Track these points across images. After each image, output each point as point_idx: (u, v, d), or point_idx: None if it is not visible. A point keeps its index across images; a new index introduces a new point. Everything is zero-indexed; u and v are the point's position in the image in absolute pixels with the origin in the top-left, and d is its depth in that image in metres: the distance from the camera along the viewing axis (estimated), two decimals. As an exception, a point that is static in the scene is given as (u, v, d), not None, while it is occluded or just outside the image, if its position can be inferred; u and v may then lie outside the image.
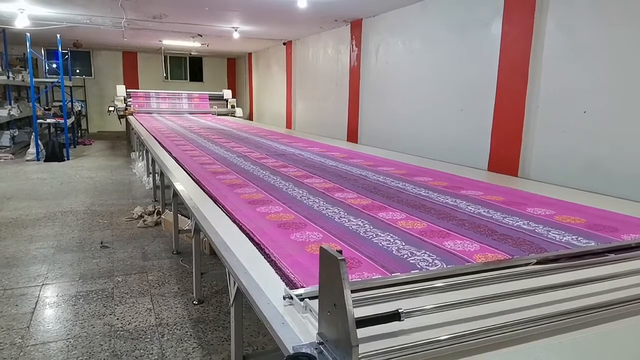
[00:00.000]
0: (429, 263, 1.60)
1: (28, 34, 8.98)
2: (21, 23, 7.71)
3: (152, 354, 2.63)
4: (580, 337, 1.16)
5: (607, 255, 1.67)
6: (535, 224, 2.08)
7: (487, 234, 1.94)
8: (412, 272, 1.51)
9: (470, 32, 5.40)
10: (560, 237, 1.89)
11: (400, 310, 1.08)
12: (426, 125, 6.24)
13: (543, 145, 4.51)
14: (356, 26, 7.89)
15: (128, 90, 10.80)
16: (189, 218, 3.99)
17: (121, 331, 2.86)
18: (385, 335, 1.09)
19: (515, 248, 1.75)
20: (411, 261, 1.62)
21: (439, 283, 1.35)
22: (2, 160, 9.10)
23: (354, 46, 8.00)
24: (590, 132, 4.06)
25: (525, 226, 2.05)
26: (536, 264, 1.57)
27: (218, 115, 10.67)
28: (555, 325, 1.15)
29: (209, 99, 11.32)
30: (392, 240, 1.84)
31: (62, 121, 9.86)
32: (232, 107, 11.25)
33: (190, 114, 10.59)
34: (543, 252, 1.70)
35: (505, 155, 4.86)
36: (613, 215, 2.26)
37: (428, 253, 1.70)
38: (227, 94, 11.48)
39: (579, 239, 1.87)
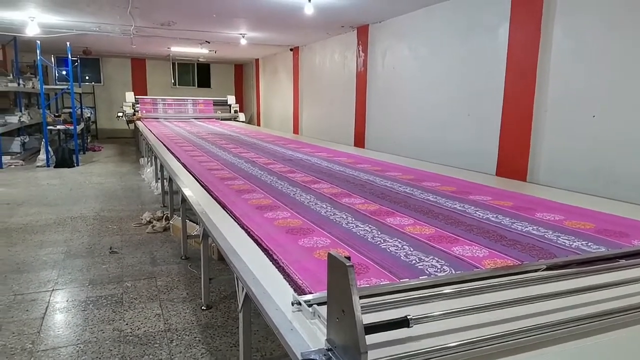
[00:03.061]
0: (438, 269, 1.60)
1: (38, 42, 9.10)
2: (31, 31, 7.82)
3: (161, 359, 2.64)
4: (592, 345, 1.15)
5: (618, 261, 1.66)
6: (545, 229, 2.07)
7: (496, 239, 1.93)
8: (420, 278, 1.51)
9: (477, 37, 5.40)
10: (570, 243, 1.87)
11: (408, 317, 1.08)
12: (433, 130, 6.22)
13: (552, 149, 4.48)
14: (362, 32, 7.91)
15: (136, 96, 11.01)
16: (197, 224, 4.00)
17: (130, 336, 2.87)
18: (394, 341, 1.08)
19: (525, 254, 1.74)
20: (419, 267, 1.61)
21: (447, 289, 1.35)
22: (13, 166, 9.21)
23: (360, 52, 8.02)
24: (599, 136, 4.03)
25: (534, 232, 2.03)
26: (546, 269, 1.56)
27: (222, 119, 10.90)
28: (566, 332, 1.14)
29: (214, 104, 11.63)
30: (400, 246, 1.84)
31: (71, 127, 9.97)
32: (235, 111, 11.54)
33: (195, 119, 10.78)
34: (553, 257, 1.69)
35: (513, 160, 4.83)
36: (623, 220, 2.24)
37: (436, 259, 1.69)
38: (231, 99, 11.93)
39: (589, 244, 1.85)
